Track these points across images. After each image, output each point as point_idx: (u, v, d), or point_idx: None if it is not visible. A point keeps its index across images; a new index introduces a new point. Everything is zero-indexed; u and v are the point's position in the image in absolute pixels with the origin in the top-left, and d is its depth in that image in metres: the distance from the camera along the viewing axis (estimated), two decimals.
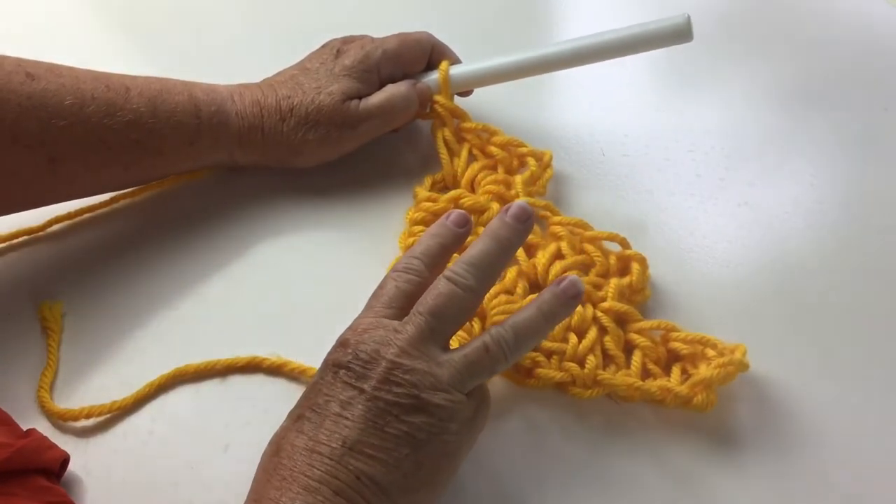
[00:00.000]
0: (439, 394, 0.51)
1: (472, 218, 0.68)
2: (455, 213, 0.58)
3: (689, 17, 0.68)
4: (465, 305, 0.54)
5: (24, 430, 0.57)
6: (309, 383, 0.54)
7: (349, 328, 0.54)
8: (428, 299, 0.53)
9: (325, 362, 0.53)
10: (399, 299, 0.54)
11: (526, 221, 0.56)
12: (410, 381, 0.51)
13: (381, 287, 0.56)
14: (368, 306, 0.55)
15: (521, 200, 0.58)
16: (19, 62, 0.62)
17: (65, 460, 0.58)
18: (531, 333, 0.55)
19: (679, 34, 0.68)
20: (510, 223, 0.56)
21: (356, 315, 0.64)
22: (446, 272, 0.54)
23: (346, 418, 0.50)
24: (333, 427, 0.50)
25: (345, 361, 0.52)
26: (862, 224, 0.73)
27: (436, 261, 0.56)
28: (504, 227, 0.56)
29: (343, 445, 0.49)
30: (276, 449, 0.51)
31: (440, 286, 0.54)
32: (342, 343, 0.53)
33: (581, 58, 0.71)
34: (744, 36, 0.89)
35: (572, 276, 0.57)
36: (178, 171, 0.71)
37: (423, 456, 0.51)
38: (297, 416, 0.52)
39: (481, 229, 0.68)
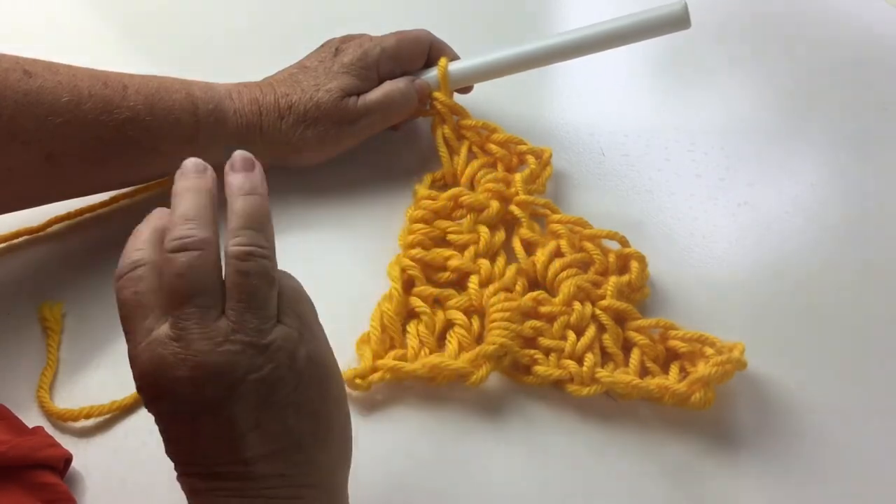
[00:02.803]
0: (261, 343, 0.45)
1: (472, 216, 0.68)
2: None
3: (685, 4, 0.68)
4: (207, 263, 0.46)
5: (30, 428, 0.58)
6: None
7: (133, 369, 0.46)
8: (168, 287, 0.45)
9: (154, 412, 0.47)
10: (143, 305, 0.46)
11: (200, 168, 0.50)
12: (238, 378, 0.45)
13: (118, 307, 0.48)
14: (126, 334, 0.47)
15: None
16: (17, 60, 0.62)
17: (67, 460, 0.58)
18: (255, 215, 0.48)
19: (677, 21, 0.68)
20: (189, 175, 0.50)
21: (356, 314, 0.64)
22: (166, 247, 0.46)
23: (223, 440, 0.46)
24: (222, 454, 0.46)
25: (166, 409, 0.46)
26: (862, 224, 0.73)
27: (155, 243, 0.48)
28: (185, 179, 0.49)
29: (244, 464, 0.46)
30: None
31: (169, 267, 0.45)
32: (149, 394, 0.46)
33: (580, 48, 0.71)
34: (744, 36, 0.89)
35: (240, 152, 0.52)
36: (176, 170, 0.71)
37: (305, 404, 0.47)
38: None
39: (481, 228, 0.68)
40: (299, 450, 0.47)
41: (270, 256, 0.48)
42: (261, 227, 0.48)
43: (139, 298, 0.46)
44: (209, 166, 0.50)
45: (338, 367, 0.51)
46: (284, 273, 0.50)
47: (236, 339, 0.45)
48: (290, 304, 0.48)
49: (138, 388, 0.47)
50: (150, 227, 0.49)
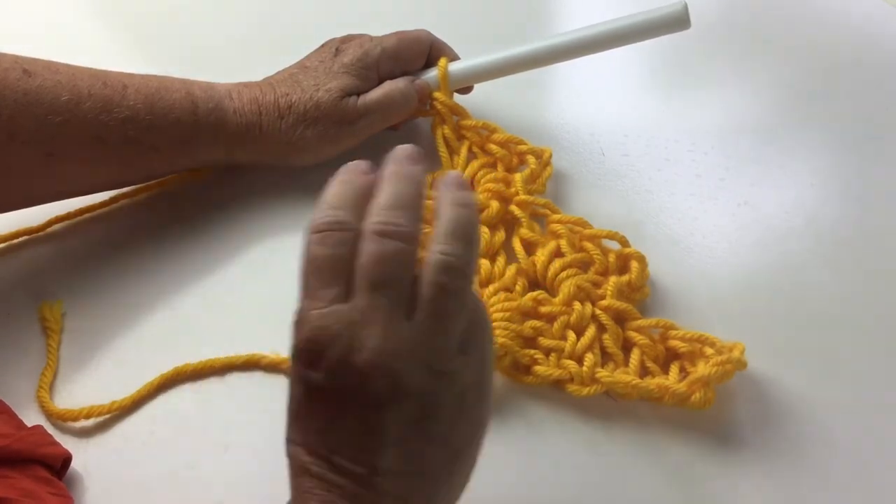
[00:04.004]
0: (440, 386, 0.44)
1: None
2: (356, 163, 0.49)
3: (685, 4, 0.68)
4: (409, 258, 0.45)
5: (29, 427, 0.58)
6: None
7: (300, 327, 0.45)
8: (367, 268, 0.44)
9: (300, 387, 0.45)
10: (338, 270, 0.44)
11: (417, 158, 0.48)
12: (408, 386, 0.44)
13: (309, 257, 0.45)
14: (307, 287, 0.45)
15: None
16: (17, 59, 0.63)
17: (66, 459, 0.58)
18: (466, 228, 0.46)
19: (677, 21, 0.68)
20: (405, 161, 0.48)
21: None
22: (370, 226, 0.45)
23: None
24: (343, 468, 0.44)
25: (319, 381, 0.44)
26: (862, 224, 0.73)
27: (357, 209, 0.46)
28: (403, 164, 0.48)
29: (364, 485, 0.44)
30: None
31: (372, 247, 0.44)
32: (308, 360, 0.44)
33: (580, 49, 0.71)
34: (744, 36, 0.89)
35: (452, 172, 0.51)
36: (176, 169, 0.71)
37: (449, 440, 0.46)
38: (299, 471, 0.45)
39: (482, 227, 0.68)
40: (429, 481, 0.46)
41: (471, 276, 0.46)
42: (469, 242, 0.46)
43: (334, 262, 0.44)
44: (423, 154, 0.49)
45: (490, 410, 0.49)
46: (475, 297, 0.48)
47: (418, 352, 0.44)
48: (477, 335, 0.47)
49: (296, 349, 0.45)
50: (354, 187, 0.47)
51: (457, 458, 0.47)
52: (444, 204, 0.47)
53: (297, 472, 0.45)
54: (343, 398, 0.44)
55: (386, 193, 0.46)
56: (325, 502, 0.44)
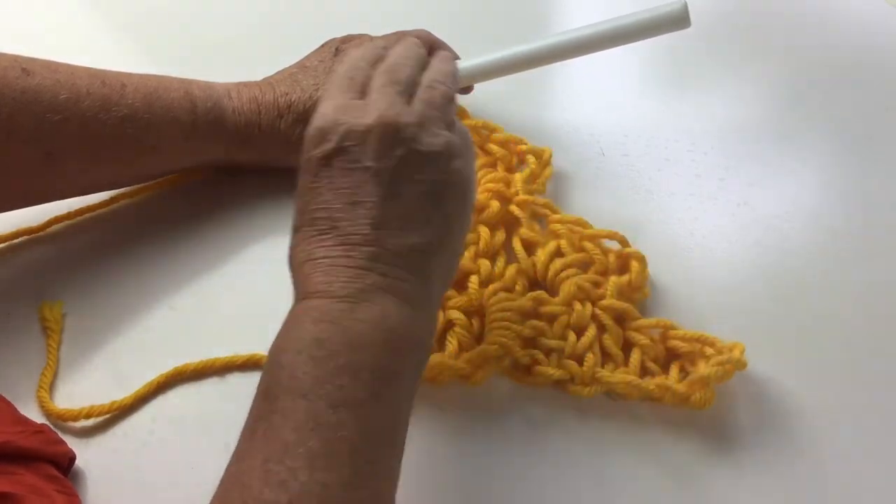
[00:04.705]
0: (433, 138, 0.52)
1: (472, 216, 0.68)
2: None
3: (685, 3, 0.68)
4: (419, 53, 0.58)
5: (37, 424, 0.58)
6: (298, 196, 0.53)
7: (317, 117, 0.53)
8: (382, 69, 0.55)
9: (308, 163, 0.52)
10: (356, 84, 0.55)
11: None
12: (406, 138, 0.51)
13: (333, 76, 0.56)
14: (328, 96, 0.54)
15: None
16: (16, 58, 0.63)
17: (71, 459, 0.58)
18: (453, 66, 0.59)
19: (677, 20, 0.68)
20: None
21: None
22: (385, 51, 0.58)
23: (363, 203, 0.50)
24: (353, 218, 0.50)
25: (333, 149, 0.51)
26: (862, 224, 0.73)
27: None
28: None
29: (374, 228, 0.49)
30: (305, 258, 0.51)
31: (390, 56, 0.57)
32: (320, 134, 0.52)
33: (580, 48, 0.71)
34: (744, 36, 0.89)
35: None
36: (175, 168, 0.71)
37: (446, 205, 0.52)
38: (310, 234, 0.51)
39: (481, 228, 0.68)
40: (424, 241, 0.51)
41: (454, 95, 0.57)
42: (454, 75, 0.59)
43: (353, 75, 0.55)
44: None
45: (474, 194, 0.56)
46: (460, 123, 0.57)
47: (416, 110, 0.52)
48: (461, 131, 0.55)
49: (310, 129, 0.52)
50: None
51: (448, 227, 0.53)
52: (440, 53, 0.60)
53: (300, 243, 0.52)
54: (351, 158, 0.51)
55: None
56: (329, 259, 0.50)
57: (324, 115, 0.52)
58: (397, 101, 0.52)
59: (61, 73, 0.63)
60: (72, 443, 0.59)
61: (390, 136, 0.51)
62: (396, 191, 0.50)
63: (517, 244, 0.68)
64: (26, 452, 0.54)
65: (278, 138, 0.70)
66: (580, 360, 0.62)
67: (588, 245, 0.67)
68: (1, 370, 0.63)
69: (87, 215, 0.71)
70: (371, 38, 0.73)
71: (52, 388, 0.62)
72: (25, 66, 0.62)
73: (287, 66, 0.73)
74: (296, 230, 0.52)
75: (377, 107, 0.52)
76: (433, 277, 0.52)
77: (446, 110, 0.54)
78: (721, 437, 0.60)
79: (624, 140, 0.78)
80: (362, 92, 0.54)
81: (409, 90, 0.54)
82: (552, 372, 0.61)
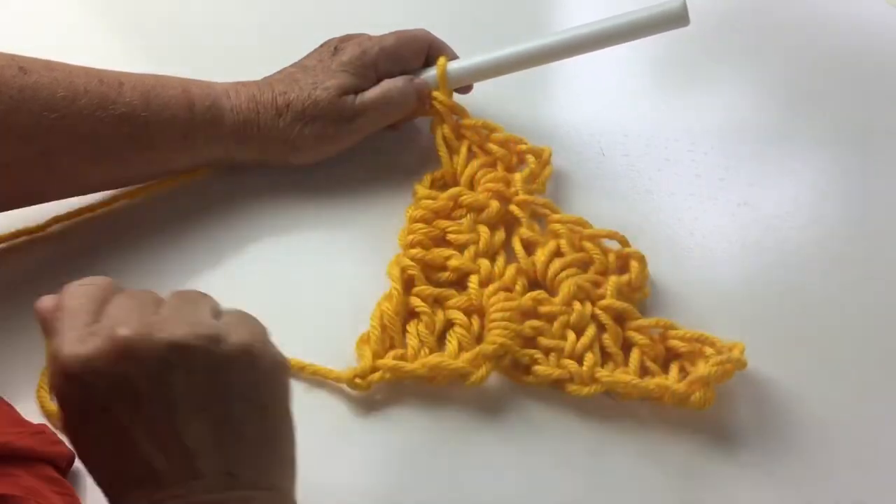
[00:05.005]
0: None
1: (472, 216, 0.68)
2: None
3: (684, 2, 0.68)
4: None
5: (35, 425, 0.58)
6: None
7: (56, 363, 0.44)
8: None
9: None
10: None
11: None
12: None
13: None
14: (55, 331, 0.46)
15: None
16: (13, 57, 0.63)
17: (70, 460, 0.58)
18: None
19: (675, 18, 0.68)
20: None
21: (356, 314, 0.64)
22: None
23: None
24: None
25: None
26: (862, 224, 0.74)
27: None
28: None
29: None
30: None
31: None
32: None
33: (579, 46, 0.71)
34: (743, 36, 0.89)
35: None
36: (174, 168, 0.71)
37: None
38: None
39: (481, 228, 0.68)
40: (249, 446, 0.45)
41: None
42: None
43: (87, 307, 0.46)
44: None
45: (287, 367, 0.49)
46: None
47: (194, 315, 0.45)
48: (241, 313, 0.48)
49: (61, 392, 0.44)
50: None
51: (269, 418, 0.46)
52: None
53: None
54: (128, 395, 0.43)
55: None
56: None
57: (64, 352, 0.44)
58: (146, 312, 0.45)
59: (58, 72, 0.63)
60: None
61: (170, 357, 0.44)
62: (201, 403, 0.44)
63: (517, 244, 0.68)
64: (25, 453, 0.54)
65: (277, 137, 0.70)
66: (580, 360, 0.62)
67: (588, 245, 0.67)
68: (1, 370, 0.63)
69: (87, 215, 0.70)
70: (369, 38, 0.73)
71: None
72: (22, 64, 0.62)
73: (286, 65, 0.73)
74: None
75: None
76: None
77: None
78: (721, 437, 0.60)
79: (624, 140, 0.78)
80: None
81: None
82: (552, 372, 0.61)
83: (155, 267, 0.68)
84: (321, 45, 0.74)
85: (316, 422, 0.60)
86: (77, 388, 0.43)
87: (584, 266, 0.67)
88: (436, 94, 0.72)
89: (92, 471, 0.45)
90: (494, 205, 0.69)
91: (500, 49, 0.73)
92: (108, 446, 0.44)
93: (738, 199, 0.74)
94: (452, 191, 0.70)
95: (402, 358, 0.62)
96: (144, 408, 0.43)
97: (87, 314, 0.45)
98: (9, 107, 0.61)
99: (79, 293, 0.47)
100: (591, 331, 0.63)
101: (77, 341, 0.43)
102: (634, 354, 0.62)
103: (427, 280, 0.66)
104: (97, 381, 0.43)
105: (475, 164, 0.72)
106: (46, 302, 0.47)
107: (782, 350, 0.65)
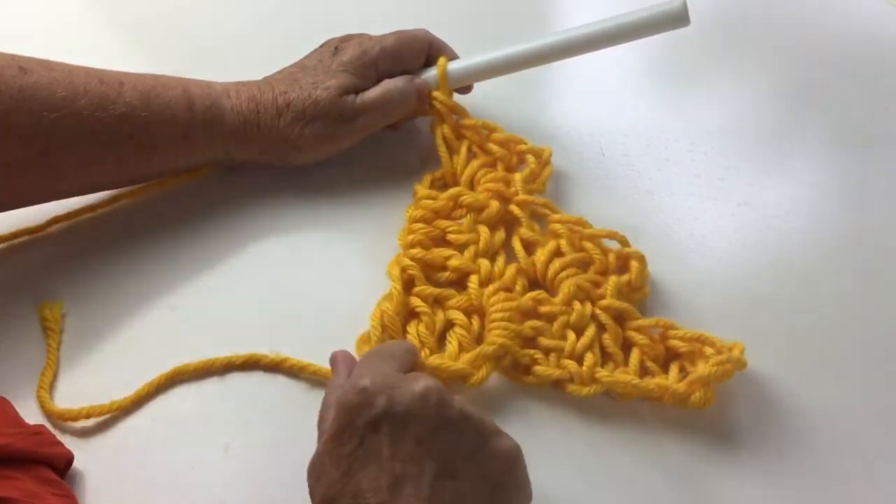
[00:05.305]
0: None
1: (472, 216, 0.68)
2: None
3: (684, 1, 0.68)
4: None
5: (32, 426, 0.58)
6: (326, 463, 0.49)
7: (358, 378, 0.51)
8: None
9: (349, 429, 0.49)
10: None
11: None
12: (460, 409, 0.51)
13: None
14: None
15: None
16: (13, 57, 0.63)
17: (69, 461, 0.58)
18: None
19: (676, 18, 0.68)
20: None
21: (356, 314, 0.64)
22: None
23: (413, 481, 0.48)
24: (402, 499, 0.47)
25: (381, 413, 0.49)
26: (862, 224, 0.74)
27: None
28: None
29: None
30: None
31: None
32: (363, 395, 0.49)
33: (580, 46, 0.71)
34: (743, 36, 0.89)
35: None
36: (174, 168, 0.71)
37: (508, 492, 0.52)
38: None
39: (481, 228, 0.68)
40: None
41: None
42: None
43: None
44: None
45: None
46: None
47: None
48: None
49: (347, 392, 0.50)
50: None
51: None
52: None
53: None
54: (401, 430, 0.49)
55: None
56: None
57: (365, 377, 0.50)
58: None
59: (58, 72, 0.64)
60: (71, 443, 0.59)
61: (444, 402, 0.50)
62: (451, 469, 0.49)
63: (517, 244, 0.68)
64: (23, 455, 0.54)
65: (277, 137, 0.70)
66: (580, 360, 0.62)
67: (588, 245, 0.67)
68: (1, 370, 0.63)
69: (87, 215, 0.71)
70: (370, 38, 0.73)
71: (51, 388, 0.62)
72: (23, 64, 0.62)
73: (286, 65, 0.73)
74: (330, 501, 0.48)
75: (424, 378, 0.50)
76: None
77: None
78: (721, 437, 0.60)
79: (624, 140, 0.78)
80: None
81: None
82: (552, 372, 0.61)
83: (155, 267, 0.68)
84: (321, 45, 0.74)
85: (316, 422, 0.61)
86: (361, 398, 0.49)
87: (584, 266, 0.67)
88: (436, 94, 0.72)
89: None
90: (494, 205, 0.69)
91: (501, 49, 0.73)
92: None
93: (738, 199, 0.74)
94: (452, 191, 0.70)
95: None
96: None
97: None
98: (9, 107, 0.61)
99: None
100: (591, 331, 0.63)
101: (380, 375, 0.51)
102: (634, 354, 0.62)
103: (427, 280, 0.66)
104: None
105: (475, 164, 0.72)
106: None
107: (782, 350, 0.65)
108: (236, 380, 0.63)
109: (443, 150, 0.72)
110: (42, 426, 0.58)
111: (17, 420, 0.57)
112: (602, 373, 0.61)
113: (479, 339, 0.63)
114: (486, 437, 0.51)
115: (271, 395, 0.62)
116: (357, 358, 0.59)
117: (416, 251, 0.67)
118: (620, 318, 0.64)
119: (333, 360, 0.57)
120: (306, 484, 0.50)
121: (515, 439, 0.53)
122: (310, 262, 0.69)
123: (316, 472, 0.49)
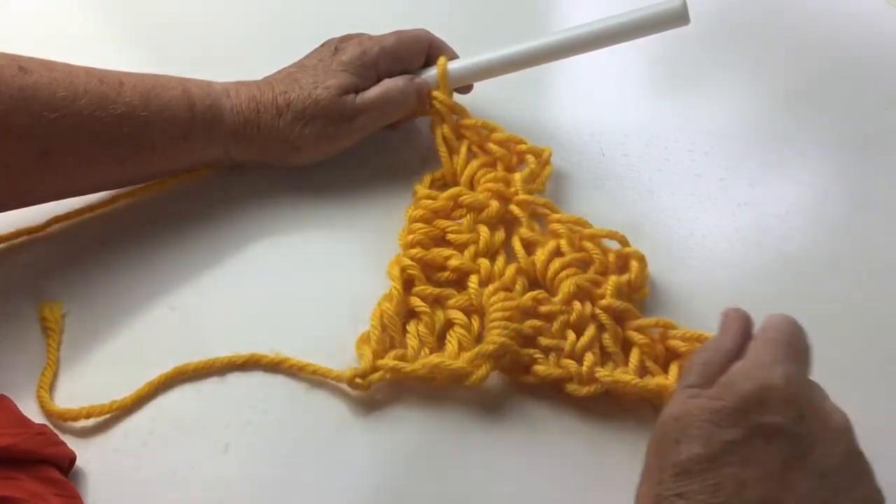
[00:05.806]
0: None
1: (472, 216, 0.68)
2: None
3: (684, 1, 0.68)
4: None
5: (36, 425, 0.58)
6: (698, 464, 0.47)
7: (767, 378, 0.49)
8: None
9: (733, 411, 0.47)
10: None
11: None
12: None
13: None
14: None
15: None
16: (13, 57, 0.63)
17: (72, 460, 0.58)
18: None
19: (676, 17, 0.68)
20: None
21: (356, 314, 0.64)
22: None
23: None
24: None
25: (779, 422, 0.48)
26: (862, 224, 0.74)
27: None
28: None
29: None
30: None
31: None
32: (759, 395, 0.48)
33: (580, 45, 0.71)
34: (744, 36, 0.89)
35: None
36: (174, 167, 0.71)
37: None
38: None
39: (481, 227, 0.68)
40: None
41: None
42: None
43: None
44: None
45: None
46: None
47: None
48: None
49: (745, 389, 0.48)
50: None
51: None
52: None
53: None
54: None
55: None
56: None
57: (779, 373, 0.49)
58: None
59: (58, 72, 0.64)
60: (72, 443, 0.59)
61: (858, 450, 0.51)
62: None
63: (517, 244, 0.68)
64: (27, 455, 0.54)
65: (277, 137, 0.70)
66: (579, 360, 0.62)
67: (588, 245, 0.67)
68: (1, 370, 0.63)
69: (87, 215, 0.71)
70: (370, 37, 0.73)
71: (52, 387, 0.62)
72: (23, 64, 0.62)
73: (286, 65, 0.73)
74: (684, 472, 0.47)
75: (840, 413, 0.51)
76: None
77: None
78: None
79: (624, 140, 0.78)
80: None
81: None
82: (551, 371, 0.61)
83: (155, 267, 0.68)
84: (321, 45, 0.74)
85: (316, 422, 0.61)
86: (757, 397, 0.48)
87: (584, 266, 0.67)
88: (436, 93, 0.72)
89: None
90: (494, 204, 0.69)
91: (501, 49, 0.73)
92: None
93: (738, 199, 0.74)
94: (452, 191, 0.70)
95: (403, 358, 0.62)
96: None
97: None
98: (9, 107, 0.61)
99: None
100: (590, 330, 0.63)
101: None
102: (634, 354, 0.62)
103: (427, 280, 0.66)
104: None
105: (475, 164, 0.72)
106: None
107: None
108: (236, 380, 0.63)
109: (443, 150, 0.72)
110: (45, 426, 0.58)
111: (20, 420, 0.57)
112: (602, 372, 0.61)
113: (479, 339, 0.63)
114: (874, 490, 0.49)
115: (271, 395, 0.62)
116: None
117: (416, 251, 0.67)
118: (620, 318, 0.64)
119: (726, 316, 0.55)
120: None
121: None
122: (310, 262, 0.69)
123: (678, 429, 0.48)
